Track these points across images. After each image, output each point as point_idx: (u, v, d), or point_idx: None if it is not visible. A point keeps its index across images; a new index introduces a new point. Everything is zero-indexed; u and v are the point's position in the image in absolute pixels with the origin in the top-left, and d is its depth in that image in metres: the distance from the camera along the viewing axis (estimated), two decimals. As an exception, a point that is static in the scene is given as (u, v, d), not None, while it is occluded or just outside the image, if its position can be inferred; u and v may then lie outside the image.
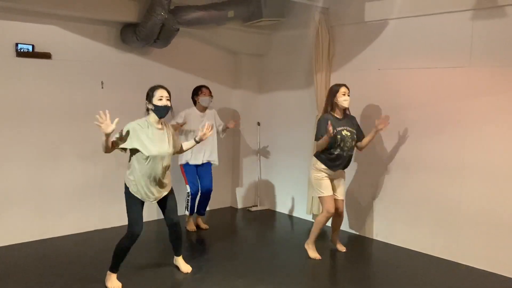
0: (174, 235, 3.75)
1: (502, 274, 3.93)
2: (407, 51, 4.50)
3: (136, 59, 5.07)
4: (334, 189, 4.25)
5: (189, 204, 4.96)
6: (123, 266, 3.57)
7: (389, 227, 4.75)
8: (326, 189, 4.16)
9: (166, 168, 3.52)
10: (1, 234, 4.35)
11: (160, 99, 3.41)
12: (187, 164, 4.94)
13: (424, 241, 4.45)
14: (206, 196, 5.06)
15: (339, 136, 4.05)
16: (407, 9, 4.44)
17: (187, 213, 5.02)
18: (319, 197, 4.25)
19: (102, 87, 4.85)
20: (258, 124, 6.09)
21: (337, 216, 4.35)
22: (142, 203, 3.52)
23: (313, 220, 5.47)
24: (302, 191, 5.56)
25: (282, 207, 5.96)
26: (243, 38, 5.74)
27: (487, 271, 4.01)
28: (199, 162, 4.96)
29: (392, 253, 4.52)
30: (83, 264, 3.98)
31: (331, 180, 4.23)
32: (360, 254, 4.47)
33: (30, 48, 4.35)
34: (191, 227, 5.08)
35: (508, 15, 3.82)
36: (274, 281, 3.74)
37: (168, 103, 3.45)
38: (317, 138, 4.12)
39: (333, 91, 4.16)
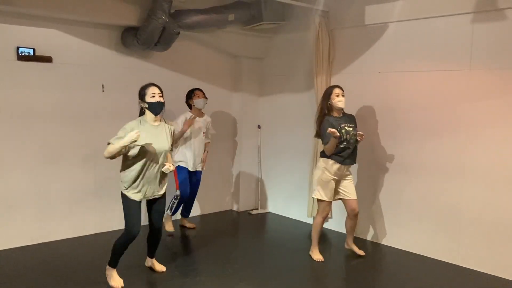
0: (155, 238, 3.76)
1: (503, 277, 3.92)
2: (408, 54, 4.50)
3: (136, 62, 5.08)
4: (343, 190, 4.23)
5: (175, 206, 4.86)
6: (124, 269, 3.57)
7: (389, 229, 4.74)
8: (328, 194, 4.15)
9: (163, 165, 3.52)
10: (1, 238, 4.34)
11: (153, 96, 3.44)
12: (181, 167, 4.86)
13: (425, 244, 4.44)
14: (192, 201, 5.12)
15: (343, 131, 4.06)
16: (407, 12, 4.45)
17: (169, 213, 4.90)
18: (318, 199, 4.23)
19: (103, 91, 4.85)
20: (259, 127, 6.10)
21: (352, 217, 4.31)
22: (139, 204, 3.53)
23: (314, 223, 5.50)
24: (302, 194, 5.56)
25: (282, 210, 5.95)
26: (243, 41, 5.75)
27: (488, 274, 4.00)
28: (197, 169, 4.95)
29: (392, 255, 4.52)
30: (83, 267, 3.97)
31: (338, 182, 4.21)
32: (361, 257, 4.44)
33: (31, 51, 4.36)
34: (170, 228, 4.94)
35: (508, 18, 3.83)
36: (274, 284, 3.73)
37: (161, 99, 3.47)
38: (325, 142, 4.11)
39: (327, 93, 4.19)
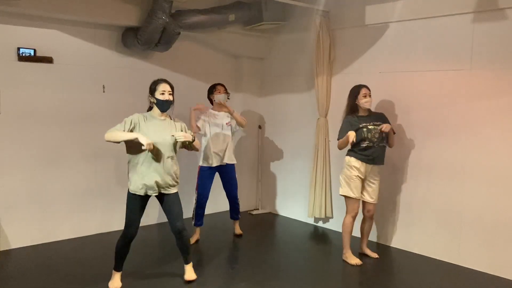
0: (180, 242, 3.63)
1: (504, 276, 3.92)
2: (408, 54, 4.51)
3: (137, 63, 5.09)
4: (365, 190, 4.19)
5: (194, 212, 4.67)
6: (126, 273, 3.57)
7: (389, 229, 4.74)
8: (354, 190, 4.10)
9: (170, 159, 3.42)
10: (3, 238, 4.35)
11: (163, 93, 3.41)
12: (204, 167, 4.63)
13: (425, 244, 4.44)
14: (234, 201, 4.90)
15: (365, 130, 4.04)
16: (408, 12, 4.45)
17: (193, 223, 4.68)
18: (345, 196, 4.16)
19: (104, 91, 4.86)
20: (259, 127, 6.10)
21: (367, 219, 4.30)
22: (143, 205, 3.48)
23: (315, 223, 5.50)
24: (303, 194, 5.56)
25: (283, 210, 5.96)
26: (244, 42, 5.75)
27: (488, 273, 4.00)
28: (224, 162, 4.66)
29: (392, 255, 4.52)
30: (84, 268, 3.98)
31: (363, 180, 4.16)
32: (361, 258, 4.44)
33: (32, 52, 4.37)
34: (193, 238, 4.66)
35: (509, 18, 3.83)
36: (275, 284, 3.74)
37: (170, 98, 3.45)
38: (338, 138, 4.12)
39: (354, 92, 4.15)
